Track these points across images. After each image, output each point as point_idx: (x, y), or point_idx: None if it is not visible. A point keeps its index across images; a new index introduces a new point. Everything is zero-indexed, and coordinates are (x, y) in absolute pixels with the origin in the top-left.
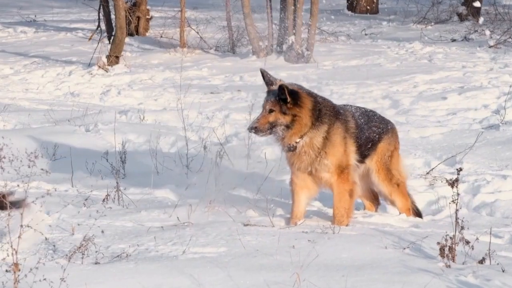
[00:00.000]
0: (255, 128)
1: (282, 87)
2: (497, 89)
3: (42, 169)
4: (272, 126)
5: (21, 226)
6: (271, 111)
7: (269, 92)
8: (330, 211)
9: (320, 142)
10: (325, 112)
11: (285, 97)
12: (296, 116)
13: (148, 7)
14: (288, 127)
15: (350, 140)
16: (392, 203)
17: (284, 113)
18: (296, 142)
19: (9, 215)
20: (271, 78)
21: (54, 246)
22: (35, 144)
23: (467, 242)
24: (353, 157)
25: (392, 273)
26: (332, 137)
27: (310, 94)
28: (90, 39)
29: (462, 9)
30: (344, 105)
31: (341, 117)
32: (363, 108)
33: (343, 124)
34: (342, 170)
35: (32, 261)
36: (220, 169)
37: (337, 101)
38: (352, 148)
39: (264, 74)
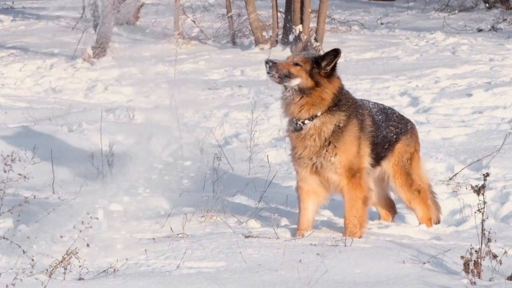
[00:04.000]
0: (274, 65)
1: (339, 51)
2: None
3: (19, 174)
4: (289, 77)
5: None
6: (296, 64)
7: (301, 51)
8: (341, 221)
9: (329, 131)
10: (344, 103)
11: (328, 62)
12: (319, 87)
13: None
14: (303, 91)
15: (365, 141)
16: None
17: (310, 75)
18: (303, 123)
19: None
20: (305, 44)
21: (33, 260)
22: (12, 146)
23: (495, 256)
24: (366, 159)
25: None
26: (345, 131)
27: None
28: (73, 28)
29: None
30: (361, 100)
31: (358, 115)
32: (381, 104)
33: (359, 122)
34: (354, 173)
35: (9, 277)
36: (219, 174)
37: None
38: (366, 150)
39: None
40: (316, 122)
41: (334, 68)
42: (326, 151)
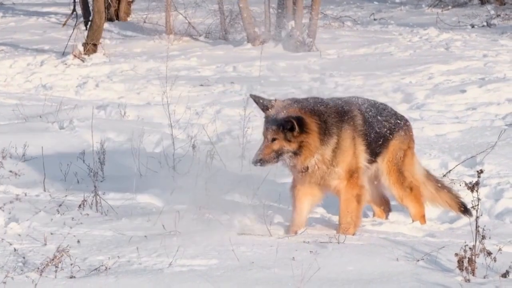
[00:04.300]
0: (260, 161)
1: (289, 120)
2: None
3: (10, 171)
4: (279, 154)
5: None
6: (274, 139)
7: (267, 118)
8: (334, 218)
9: (330, 155)
10: (331, 123)
11: (292, 127)
12: (304, 142)
13: None
14: (296, 153)
15: (359, 139)
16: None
17: (290, 141)
18: (308, 167)
19: None
20: (264, 102)
21: (23, 258)
22: (3, 143)
23: (489, 253)
24: (363, 157)
25: None
26: (341, 143)
27: (313, 112)
28: (64, 24)
29: None
30: (350, 97)
31: (347, 119)
32: (371, 100)
33: (350, 125)
34: (352, 174)
35: None
36: (211, 171)
37: (342, 94)
38: (361, 147)
39: (256, 100)
40: (318, 157)
41: (300, 123)
42: (331, 168)
